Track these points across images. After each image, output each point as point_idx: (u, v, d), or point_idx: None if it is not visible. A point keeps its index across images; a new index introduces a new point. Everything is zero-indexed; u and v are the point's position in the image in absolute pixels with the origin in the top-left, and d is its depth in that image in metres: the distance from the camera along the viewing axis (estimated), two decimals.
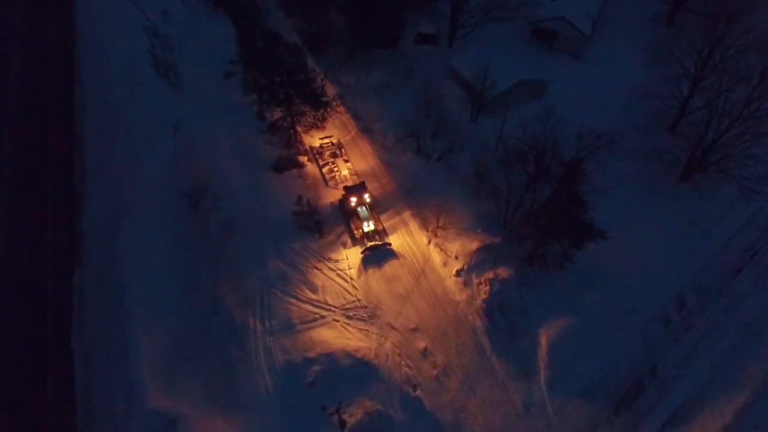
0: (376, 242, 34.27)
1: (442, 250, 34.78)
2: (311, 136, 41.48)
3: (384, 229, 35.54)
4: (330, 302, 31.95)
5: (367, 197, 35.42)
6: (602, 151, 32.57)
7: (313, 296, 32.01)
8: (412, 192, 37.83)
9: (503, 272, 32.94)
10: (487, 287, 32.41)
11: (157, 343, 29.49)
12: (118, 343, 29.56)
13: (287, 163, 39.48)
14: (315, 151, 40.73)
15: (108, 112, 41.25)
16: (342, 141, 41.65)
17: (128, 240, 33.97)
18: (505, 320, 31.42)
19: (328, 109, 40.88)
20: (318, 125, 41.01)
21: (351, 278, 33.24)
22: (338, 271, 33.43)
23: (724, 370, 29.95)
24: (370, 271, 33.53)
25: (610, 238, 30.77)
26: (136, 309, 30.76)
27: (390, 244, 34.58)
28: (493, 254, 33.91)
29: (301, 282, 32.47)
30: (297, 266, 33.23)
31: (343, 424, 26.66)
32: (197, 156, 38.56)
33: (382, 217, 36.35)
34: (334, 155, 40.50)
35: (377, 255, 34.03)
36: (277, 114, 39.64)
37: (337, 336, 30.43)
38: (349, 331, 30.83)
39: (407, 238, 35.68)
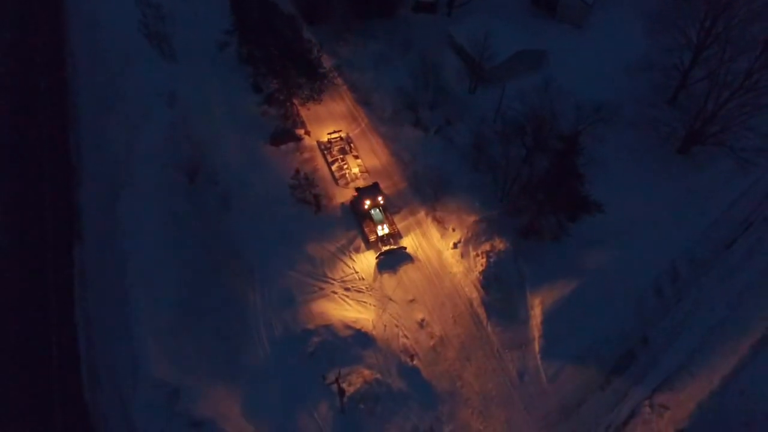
0: (391, 246, 32.99)
1: (439, 222, 35.00)
2: (319, 130, 39.52)
3: (398, 232, 34.01)
4: (329, 275, 32.33)
5: (380, 199, 33.85)
6: (601, 124, 32.43)
7: (311, 269, 32.33)
8: (410, 165, 37.77)
9: (500, 244, 33.29)
10: (484, 259, 32.81)
11: (158, 315, 29.95)
12: (120, 315, 30.01)
13: (284, 136, 39.22)
14: (323, 147, 38.58)
15: (101, 85, 40.59)
16: (350, 135, 39.46)
17: (126, 214, 34.03)
18: (501, 291, 31.95)
19: (325, 81, 40.33)
20: (315, 98, 40.51)
21: (349, 252, 33.59)
22: (336, 245, 33.72)
23: (714, 339, 30.69)
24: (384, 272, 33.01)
25: (606, 211, 31.01)
26: (136, 282, 31.09)
27: (405, 248, 33.24)
28: (490, 227, 34.20)
29: (299, 255, 32.77)
30: (295, 239, 33.47)
31: (342, 392, 27.44)
32: (193, 129, 38.26)
33: (396, 218, 34.77)
34: (343, 151, 38.31)
35: (392, 259, 32.85)
36: (274, 86, 39.10)
37: (336, 308, 30.97)
38: (347, 303, 31.34)
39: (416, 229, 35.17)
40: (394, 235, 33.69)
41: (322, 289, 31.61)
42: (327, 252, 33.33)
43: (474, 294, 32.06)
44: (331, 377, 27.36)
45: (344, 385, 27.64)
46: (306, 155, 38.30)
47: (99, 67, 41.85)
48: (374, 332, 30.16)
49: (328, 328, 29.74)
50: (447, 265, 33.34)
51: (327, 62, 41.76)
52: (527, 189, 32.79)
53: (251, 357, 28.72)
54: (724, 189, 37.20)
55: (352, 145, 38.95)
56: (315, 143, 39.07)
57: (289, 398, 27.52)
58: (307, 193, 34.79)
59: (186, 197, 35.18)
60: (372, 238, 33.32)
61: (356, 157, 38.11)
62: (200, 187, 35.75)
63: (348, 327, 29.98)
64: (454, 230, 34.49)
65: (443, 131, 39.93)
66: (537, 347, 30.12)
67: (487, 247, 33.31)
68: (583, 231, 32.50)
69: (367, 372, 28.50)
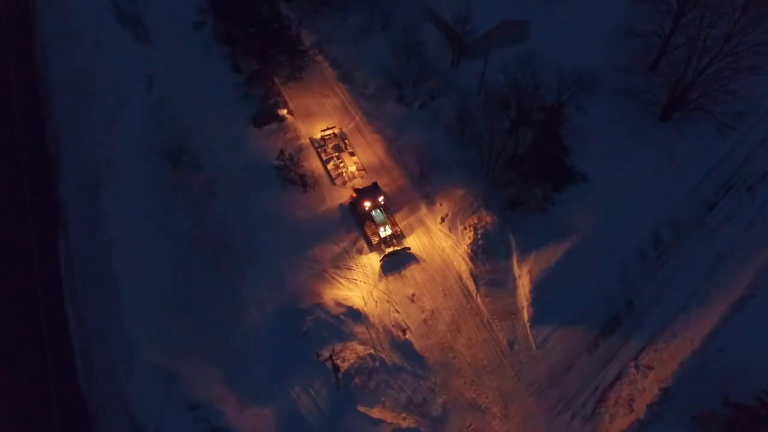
0: (395, 248, 32.11)
1: (426, 198, 35.14)
2: (310, 126, 38.12)
3: (401, 232, 33.06)
4: (318, 255, 32.43)
5: (381, 200, 32.79)
6: (583, 94, 32.52)
7: (301, 249, 32.40)
8: (394, 142, 37.66)
9: (487, 217, 33.65)
10: (472, 232, 33.19)
11: (149, 301, 30.00)
12: (111, 303, 29.97)
13: (267, 117, 38.71)
14: (317, 145, 37.10)
15: (74, 71, 39.38)
16: (344, 131, 38.14)
17: (110, 202, 33.62)
18: (489, 263, 32.45)
19: (306, 59, 39.65)
20: (296, 76, 39.90)
21: (338, 225, 33.62)
22: (325, 223, 33.74)
23: (695, 300, 31.67)
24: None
25: (591, 180, 31.41)
26: (124, 270, 30.99)
27: (409, 248, 32.41)
28: (476, 200, 34.48)
29: (288, 236, 32.77)
30: (283, 220, 33.42)
31: (337, 369, 27.91)
32: (173, 113, 37.54)
33: (397, 217, 33.77)
34: (338, 148, 36.82)
35: (396, 260, 32.09)
36: (253, 65, 38.32)
37: (327, 286, 31.22)
38: (338, 282, 31.59)
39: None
40: (397, 236, 32.67)
41: (312, 268, 31.76)
42: (316, 231, 33.35)
43: (463, 267, 32.52)
44: (325, 354, 27.77)
45: (338, 362, 28.10)
46: (290, 135, 37.90)
47: (71, 53, 40.51)
48: (365, 309, 30.55)
49: (320, 306, 30.06)
50: (435, 239, 33.64)
51: (307, 39, 40.97)
52: (512, 161, 33.00)
53: (245, 339, 28.96)
54: (704, 154, 37.80)
55: (346, 141, 37.54)
56: (308, 140, 37.51)
57: (285, 377, 27.96)
58: (293, 173, 34.59)
59: (170, 182, 34.80)
60: (375, 240, 32.40)
61: (352, 154, 36.72)
62: (184, 171, 35.31)
63: (340, 305, 30.33)
64: (441, 205, 34.71)
65: (427, 106, 39.71)
66: (526, 316, 30.83)
67: (474, 220, 33.67)
68: (568, 201, 32.92)
69: (360, 348, 29.00)
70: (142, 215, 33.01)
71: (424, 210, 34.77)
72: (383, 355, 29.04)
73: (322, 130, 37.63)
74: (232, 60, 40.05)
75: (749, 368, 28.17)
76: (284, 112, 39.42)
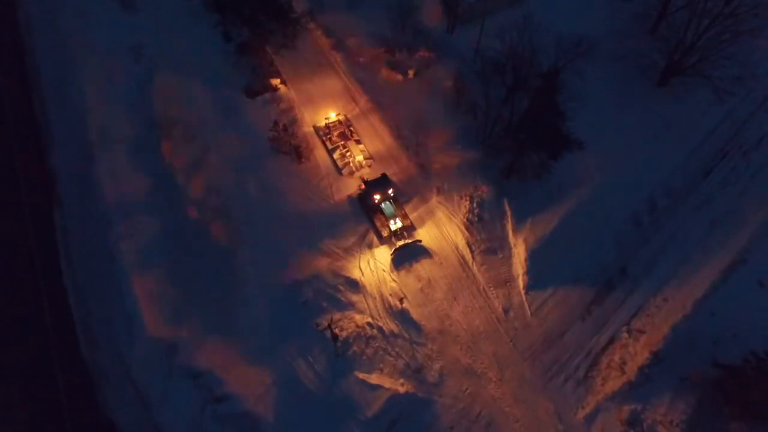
0: (406, 240, 31.54)
1: (422, 167, 34.98)
2: (314, 113, 36.75)
3: (412, 224, 32.28)
4: (316, 225, 32.44)
5: (391, 192, 31.87)
6: (581, 59, 31.99)
7: (298, 220, 32.36)
8: (389, 110, 37.17)
9: (483, 185, 33.63)
10: (468, 201, 33.22)
11: (147, 273, 30.15)
12: (109, 276, 30.16)
13: (259, 87, 38.07)
14: (321, 133, 35.80)
15: (59, 41, 38.40)
16: (349, 117, 36.64)
17: (104, 175, 33.37)
18: (485, 232, 32.61)
19: (298, 27, 38.68)
20: (288, 45, 38.99)
21: (333, 193, 33.57)
22: (320, 192, 33.65)
23: (687, 266, 32.06)
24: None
25: (587, 147, 31.27)
26: (121, 242, 31.01)
27: (420, 241, 31.74)
28: (472, 168, 34.38)
29: (284, 207, 32.72)
30: (279, 191, 33.31)
31: (335, 337, 28.38)
32: (163, 83, 36.79)
33: (407, 208, 32.92)
34: (343, 136, 35.51)
35: (407, 252, 31.57)
36: (244, 34, 37.38)
37: (325, 257, 31.35)
38: (336, 252, 31.74)
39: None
40: (408, 228, 32.12)
41: (309, 238, 31.81)
42: (312, 202, 33.27)
43: (459, 236, 32.68)
44: (324, 323, 28.20)
45: (336, 330, 28.55)
46: (283, 105, 37.34)
47: (54, 23, 39.36)
48: (363, 278, 30.83)
49: (318, 277, 30.32)
50: (431, 209, 33.66)
51: (298, 6, 39.81)
52: (508, 129, 32.73)
53: (244, 309, 29.27)
54: (701, 120, 37.59)
55: (352, 128, 36.15)
56: (312, 129, 36.20)
57: (285, 346, 28.41)
58: (287, 144, 34.25)
59: (162, 155, 34.38)
60: (385, 233, 31.74)
61: (358, 142, 35.49)
62: (177, 143, 34.86)
63: (337, 275, 30.60)
64: (437, 174, 34.56)
65: (422, 74, 39.05)
66: (521, 283, 31.21)
67: (470, 189, 33.65)
68: (565, 168, 32.83)
69: (358, 316, 29.44)
70: (136, 189, 32.80)
71: (419, 180, 34.63)
72: (381, 324, 29.51)
73: (326, 118, 36.17)
74: (222, 28, 39.03)
75: (739, 331, 28.83)
76: (277, 82, 38.72)
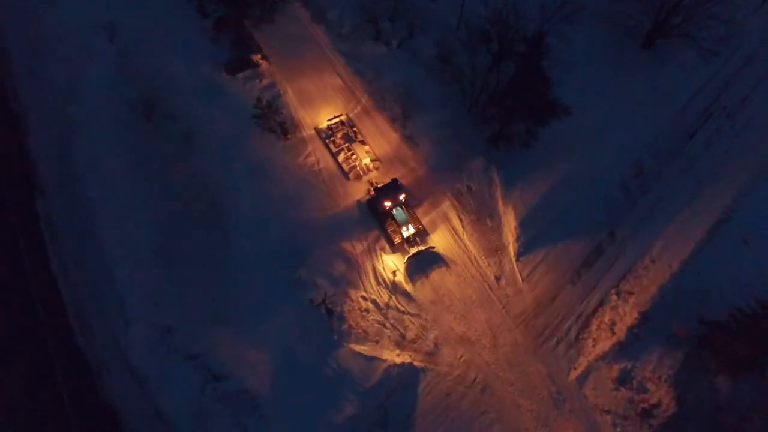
0: (419, 248, 30.67)
1: (410, 140, 34.72)
2: (314, 114, 35.18)
3: (424, 229, 31.43)
4: (305, 200, 32.18)
5: (402, 197, 30.73)
6: (566, 22, 31.59)
7: (285, 196, 32.06)
8: (374, 82, 36.60)
9: (471, 155, 33.44)
10: (456, 172, 33.12)
11: (138, 258, 29.89)
12: (99, 262, 29.86)
13: (240, 63, 37.07)
14: (324, 135, 34.27)
15: (27, 20, 36.83)
16: (351, 117, 35.18)
17: (84, 160, 32.66)
18: (474, 202, 32.69)
19: (276, 0, 37.54)
20: (267, 19, 37.93)
21: (321, 169, 33.27)
22: (308, 169, 33.37)
23: (673, 227, 32.59)
24: None
25: (573, 113, 31.21)
26: (108, 228, 30.65)
27: (434, 247, 30.90)
28: (460, 138, 34.19)
29: (272, 185, 32.41)
30: (266, 170, 32.91)
31: (330, 312, 28.65)
32: (141, 62, 35.69)
33: (418, 212, 31.97)
34: (347, 138, 33.98)
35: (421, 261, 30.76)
36: (221, 8, 36.21)
37: (316, 232, 31.19)
38: (326, 225, 31.49)
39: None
40: (420, 233, 31.33)
41: (299, 214, 31.63)
42: (300, 179, 32.99)
43: (449, 207, 32.73)
44: (318, 299, 28.38)
45: (331, 306, 28.77)
46: (266, 81, 36.49)
47: (23, 3, 37.70)
48: (356, 253, 30.88)
49: (311, 253, 30.26)
50: (410, 167, 33.53)
51: None
52: (495, 97, 32.47)
53: (237, 288, 29.28)
54: (686, 81, 37.64)
55: (355, 129, 34.65)
56: (313, 132, 34.69)
57: (280, 323, 28.59)
58: (272, 121, 33.67)
59: (145, 136, 33.66)
60: (397, 240, 30.83)
61: (363, 143, 34.06)
62: (159, 124, 34.08)
63: (330, 251, 30.55)
64: (423, 145, 34.33)
65: (406, 44, 38.32)
66: (512, 251, 31.54)
67: (458, 159, 33.49)
68: (552, 135, 32.78)
69: (352, 291, 29.62)
70: (121, 172, 32.17)
71: (409, 154, 34.41)
72: (374, 297, 29.78)
73: (328, 120, 34.66)
74: (198, 3, 37.77)
75: (724, 288, 29.55)
76: (258, 57, 37.77)
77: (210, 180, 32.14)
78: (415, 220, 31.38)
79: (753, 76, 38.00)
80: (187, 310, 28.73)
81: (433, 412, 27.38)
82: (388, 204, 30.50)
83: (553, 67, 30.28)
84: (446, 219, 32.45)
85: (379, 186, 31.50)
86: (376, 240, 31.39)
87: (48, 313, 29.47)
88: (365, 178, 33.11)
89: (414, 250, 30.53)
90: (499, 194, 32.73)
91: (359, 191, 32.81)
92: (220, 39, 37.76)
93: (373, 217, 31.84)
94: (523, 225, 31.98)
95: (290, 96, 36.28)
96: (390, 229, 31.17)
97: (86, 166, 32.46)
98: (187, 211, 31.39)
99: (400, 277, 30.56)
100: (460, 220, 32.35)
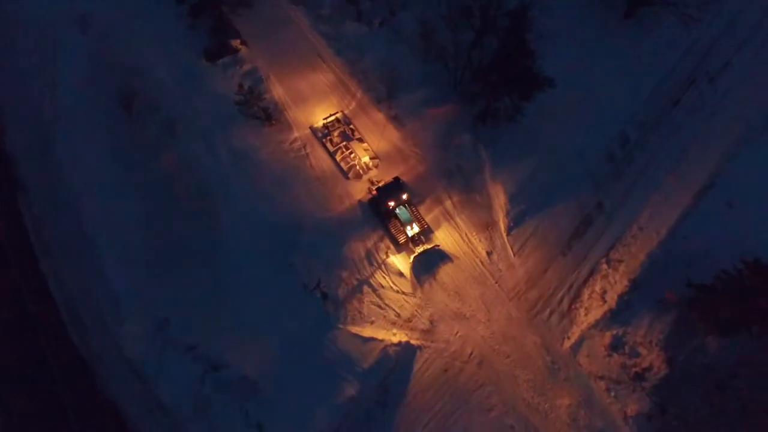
0: (425, 246, 30.42)
1: (396, 120, 34.51)
2: (308, 113, 34.24)
3: (428, 226, 31.11)
4: (290, 182, 31.97)
5: (405, 196, 30.37)
6: None
7: (273, 180, 31.85)
8: (356, 63, 36.16)
9: (457, 133, 33.40)
10: (444, 150, 33.05)
11: (128, 252, 29.65)
12: (88, 258, 29.56)
13: (219, 50, 36.39)
14: (320, 134, 33.45)
15: None
16: (346, 113, 34.40)
17: (66, 158, 32.06)
18: (464, 180, 32.76)
19: None
20: (244, 2, 37.10)
21: (308, 153, 33.00)
22: (294, 154, 33.07)
23: (660, 194, 32.93)
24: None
25: (558, 85, 31.16)
26: (96, 223, 30.28)
27: (438, 246, 30.68)
28: (446, 116, 34.03)
29: (259, 170, 32.14)
30: (252, 156, 32.60)
31: (325, 295, 28.78)
32: (117, 53, 34.84)
33: (421, 209, 31.56)
34: (345, 136, 33.29)
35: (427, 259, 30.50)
36: None
37: (307, 213, 31.10)
38: (317, 204, 31.46)
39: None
40: (425, 231, 30.96)
41: (289, 199, 31.43)
42: (286, 163, 32.69)
43: (439, 185, 32.74)
44: (312, 284, 28.44)
45: (325, 290, 28.88)
46: (246, 67, 35.88)
47: None
48: (347, 233, 30.84)
49: (302, 237, 30.21)
50: (410, 164, 33.46)
51: None
52: (479, 73, 32.28)
53: (230, 277, 29.21)
54: (669, 49, 37.62)
55: (352, 126, 33.92)
56: (308, 131, 33.87)
57: (275, 309, 28.61)
58: (255, 107, 33.20)
59: (127, 128, 33.09)
60: (401, 239, 30.55)
61: (361, 141, 33.36)
62: (140, 115, 33.49)
63: (321, 233, 30.52)
64: (410, 125, 34.15)
65: (388, 23, 37.82)
66: (502, 226, 31.76)
67: (446, 138, 33.40)
68: (537, 109, 32.71)
69: (345, 273, 29.71)
70: (104, 167, 31.67)
71: (396, 135, 34.23)
72: (369, 278, 29.91)
73: (324, 118, 33.76)
74: None
75: (710, 252, 30.01)
76: (237, 43, 37.05)
77: (195, 169, 31.75)
78: (418, 219, 31.05)
79: (734, 41, 38.08)
80: (181, 302, 28.64)
81: (432, 388, 27.85)
82: (391, 204, 30.11)
83: (536, 40, 30.10)
84: (437, 199, 32.47)
85: (381, 186, 31.01)
86: (380, 240, 31.05)
87: (40, 311, 29.21)
88: (365, 177, 32.48)
89: (420, 249, 30.38)
90: (487, 170, 32.80)
91: (360, 191, 32.22)
92: (197, 25, 36.95)
93: (376, 217, 31.44)
94: (513, 200, 32.17)
95: (273, 81, 35.75)
96: (394, 229, 30.79)
97: (67, 162, 31.90)
98: (175, 201, 31.07)
99: (394, 258, 30.64)
100: (450, 198, 32.41)
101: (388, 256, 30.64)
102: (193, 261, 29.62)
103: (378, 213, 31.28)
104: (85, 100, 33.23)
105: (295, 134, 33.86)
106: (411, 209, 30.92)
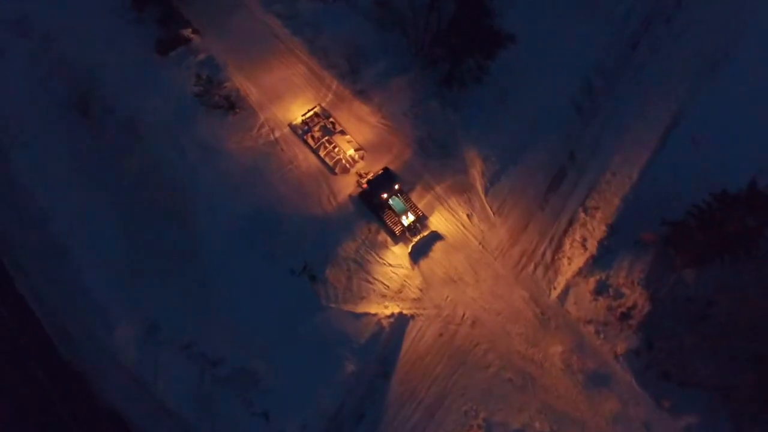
0: (422, 235, 30.05)
1: (362, 94, 34.04)
2: (285, 110, 32.74)
3: (423, 213, 30.70)
4: (263, 168, 31.46)
5: (397, 186, 29.86)
6: None
7: (242, 169, 31.31)
8: (314, 41, 35.33)
9: (425, 100, 33.19)
10: (414, 119, 32.88)
11: (106, 261, 29.02)
12: (66, 272, 28.83)
13: (170, 41, 34.95)
14: (301, 131, 32.23)
15: None
16: (324, 106, 33.11)
17: (25, 173, 30.87)
18: (437, 148, 32.76)
19: None
20: None
21: (278, 141, 32.53)
22: (263, 140, 32.46)
23: (629, 138, 33.60)
24: None
25: (519, 41, 31.11)
26: (70, 237, 29.46)
27: (436, 232, 30.46)
28: (411, 85, 33.74)
29: (229, 161, 31.49)
30: (220, 147, 31.85)
31: (313, 278, 28.84)
32: (63, 56, 33.23)
33: (413, 196, 31.07)
34: (326, 131, 32.16)
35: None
36: None
37: (284, 198, 30.78)
38: (291, 186, 31.13)
39: None
40: (420, 219, 30.49)
41: (264, 186, 31.03)
42: (255, 151, 32.13)
43: (414, 157, 32.67)
44: (298, 268, 28.42)
45: (312, 272, 28.92)
46: (201, 56, 34.62)
47: None
48: (326, 211, 30.80)
49: (281, 222, 29.99)
50: (383, 138, 33.16)
51: None
52: (439, 36, 31.94)
53: (214, 273, 28.93)
54: None
55: (332, 119, 32.65)
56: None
57: (264, 298, 28.56)
58: (216, 96, 32.28)
59: (86, 133, 31.87)
60: (398, 230, 30.08)
61: (343, 134, 32.21)
62: (97, 118, 32.21)
63: (301, 215, 30.30)
64: (376, 98, 33.76)
65: None
66: (479, 188, 32.02)
67: (414, 106, 33.18)
68: (502, 68, 32.67)
69: (331, 254, 29.68)
70: (68, 175, 30.59)
71: (364, 109, 33.82)
72: (354, 255, 29.99)
73: (302, 114, 32.52)
74: None
75: (680, 189, 30.93)
76: (189, 32, 35.66)
77: (163, 167, 30.94)
78: (413, 207, 30.76)
79: None
80: (168, 303, 28.30)
81: (430, 353, 28.46)
82: (384, 196, 29.69)
83: None
84: (411, 169, 32.29)
85: (372, 178, 30.33)
86: (377, 234, 30.65)
87: (25, 334, 28.49)
88: (353, 170, 31.71)
89: (416, 239, 30.29)
90: (459, 134, 32.82)
91: (349, 185, 31.49)
92: (144, 18, 35.38)
93: (369, 210, 30.94)
94: (487, 160, 32.34)
95: (231, 68, 34.69)
96: (389, 221, 30.46)
97: (27, 177, 30.71)
98: (148, 202, 30.34)
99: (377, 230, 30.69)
100: (425, 166, 32.42)
101: (370, 232, 30.67)
102: (175, 260, 29.17)
103: (371, 206, 30.84)
104: (36, 109, 31.78)
105: (261, 119, 33.11)
106: (404, 198, 30.61)
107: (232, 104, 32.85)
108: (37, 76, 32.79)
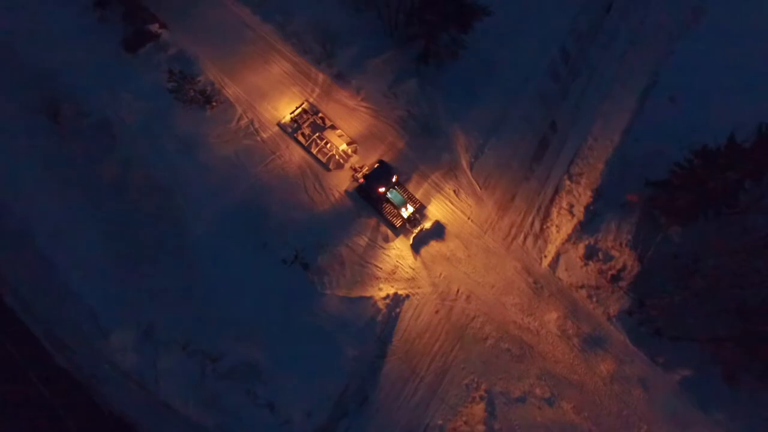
0: (423, 226, 29.92)
1: (340, 78, 33.58)
2: (271, 108, 31.95)
3: (422, 204, 30.56)
4: (245, 162, 31.18)
5: (394, 178, 29.50)
6: None
7: (228, 164, 31.00)
8: (286, 27, 34.64)
9: (404, 79, 32.93)
10: (394, 100, 32.62)
11: (94, 267, 28.64)
12: (52, 280, 28.38)
13: (138, 38, 33.98)
14: (290, 130, 31.73)
15: None
16: (312, 102, 32.58)
17: (3, 185, 30.07)
18: (418, 125, 32.61)
19: None
20: None
21: (258, 131, 32.09)
22: (243, 132, 32.04)
23: (608, 102, 33.84)
24: None
25: (494, 13, 30.84)
26: (55, 247, 28.92)
27: (437, 221, 30.39)
28: (388, 64, 33.41)
29: (211, 156, 31.07)
30: (199, 143, 31.36)
31: (306, 266, 28.79)
32: (28, 62, 32.18)
33: (409, 187, 30.90)
34: (317, 127, 31.82)
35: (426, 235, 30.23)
36: None
37: (271, 191, 30.58)
38: (277, 180, 30.96)
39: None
40: (419, 209, 30.28)
41: (247, 179, 30.76)
42: (237, 144, 31.73)
43: (395, 136, 32.52)
44: (290, 257, 28.34)
45: (305, 260, 28.86)
46: (172, 51, 33.81)
47: None
48: (314, 199, 30.64)
49: (269, 214, 29.80)
50: (364, 120, 32.91)
51: None
52: (413, 13, 31.52)
53: (204, 268, 28.74)
54: None
55: (321, 115, 32.23)
56: (276, 127, 32.06)
57: (258, 290, 28.53)
58: (191, 91, 31.64)
59: (61, 140, 31.08)
60: (398, 222, 29.93)
61: (334, 128, 31.87)
62: (70, 124, 31.39)
63: (288, 206, 30.15)
64: (354, 79, 33.38)
65: None
66: (464, 163, 32.07)
67: (393, 86, 32.89)
68: (477, 41, 32.48)
69: (321, 240, 29.63)
70: (46, 184, 29.88)
71: (343, 93, 33.44)
72: (345, 240, 29.99)
73: (291, 112, 31.97)
74: None
75: (661, 149, 31.33)
76: (156, 27, 34.68)
77: (143, 168, 30.39)
78: (411, 198, 30.58)
79: None
80: (161, 302, 28.14)
81: (428, 331, 28.80)
82: (382, 189, 29.40)
83: None
84: (405, 158, 31.96)
85: (368, 173, 29.99)
86: (377, 229, 30.45)
87: (20, 347, 28.14)
88: (347, 165, 31.39)
89: (417, 230, 30.23)
90: (440, 111, 32.69)
91: (344, 180, 31.21)
92: (108, 16, 34.26)
93: (368, 205, 30.70)
94: (469, 135, 32.36)
95: (203, 61, 33.91)
96: (388, 214, 30.29)
97: (3, 188, 29.91)
98: (131, 203, 29.88)
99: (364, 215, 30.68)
100: (409, 146, 32.30)
101: (359, 217, 30.63)
102: (164, 259, 28.89)
103: (368, 200, 30.59)
104: (5, 118, 30.85)
105: (239, 111, 32.58)
106: (402, 190, 30.42)
107: (208, 98, 32.25)
108: (3, 85, 31.73)
